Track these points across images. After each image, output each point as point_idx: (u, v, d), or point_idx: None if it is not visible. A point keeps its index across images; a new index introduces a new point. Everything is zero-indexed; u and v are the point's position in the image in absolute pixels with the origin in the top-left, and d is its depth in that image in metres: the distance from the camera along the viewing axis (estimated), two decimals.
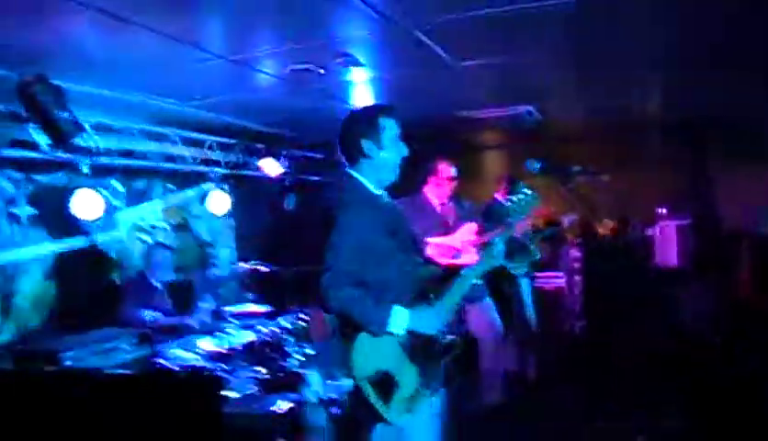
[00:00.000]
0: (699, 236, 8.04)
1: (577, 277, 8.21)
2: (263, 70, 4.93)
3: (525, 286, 6.74)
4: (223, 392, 4.69)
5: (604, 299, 7.77)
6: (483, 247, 3.23)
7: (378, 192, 3.09)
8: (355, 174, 3.07)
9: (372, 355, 2.88)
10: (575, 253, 8.35)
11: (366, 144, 3.01)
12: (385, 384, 2.86)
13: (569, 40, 4.64)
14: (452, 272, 3.17)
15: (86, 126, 5.71)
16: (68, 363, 4.28)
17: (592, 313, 7.88)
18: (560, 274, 8.26)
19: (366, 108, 3.17)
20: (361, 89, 5.65)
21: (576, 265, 8.29)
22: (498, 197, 6.71)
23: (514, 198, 3.24)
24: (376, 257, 2.91)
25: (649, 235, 8.39)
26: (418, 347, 2.94)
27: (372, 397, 2.85)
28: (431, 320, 2.95)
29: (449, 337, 3.01)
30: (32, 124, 4.78)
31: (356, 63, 4.80)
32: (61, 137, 4.71)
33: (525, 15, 3.89)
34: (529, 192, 3.24)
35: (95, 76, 4.81)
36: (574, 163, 9.51)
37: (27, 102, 4.52)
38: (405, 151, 3.09)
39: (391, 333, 2.87)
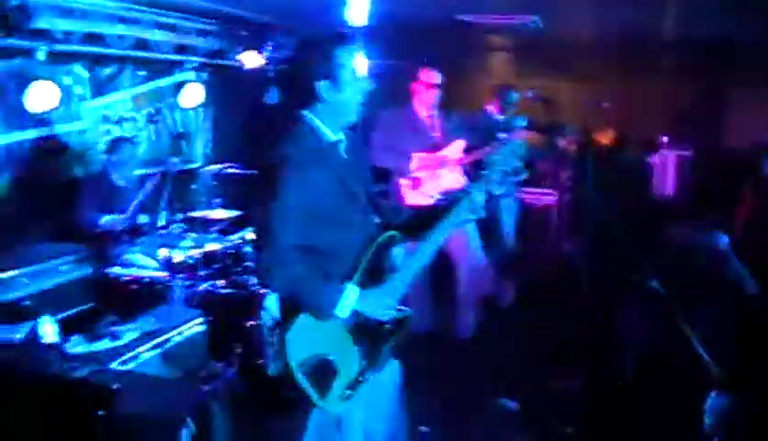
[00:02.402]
0: (699, 171, 7.66)
1: (569, 196, 7.92)
2: None
3: (506, 207, 6.42)
4: None
5: (593, 222, 7.52)
6: (458, 197, 2.78)
7: (336, 137, 2.67)
8: (309, 117, 2.64)
9: (310, 338, 2.56)
10: (569, 169, 8.06)
11: (322, 87, 2.57)
12: (322, 371, 2.56)
13: None
14: (417, 227, 2.80)
15: (44, 9, 5.25)
16: None
17: (580, 236, 7.64)
18: (551, 191, 7.93)
19: (318, 41, 2.64)
20: None
21: (569, 182, 7.99)
22: (489, 108, 6.38)
23: (497, 152, 2.82)
24: (327, 223, 2.56)
25: (648, 161, 8.06)
26: (364, 328, 2.61)
27: (306, 386, 2.55)
28: (383, 301, 2.62)
29: (401, 313, 2.69)
30: None
31: None
32: (7, 26, 4.25)
33: None
34: (515, 142, 2.87)
35: None
36: (578, 76, 9.28)
37: None
38: (368, 85, 2.66)
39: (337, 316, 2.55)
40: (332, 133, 2.65)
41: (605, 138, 8.36)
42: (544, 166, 7.76)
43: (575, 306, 5.04)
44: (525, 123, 2.92)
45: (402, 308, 2.71)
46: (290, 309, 2.57)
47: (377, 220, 2.83)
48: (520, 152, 2.85)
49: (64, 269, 4.58)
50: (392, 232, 2.74)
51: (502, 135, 3.08)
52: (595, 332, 5.06)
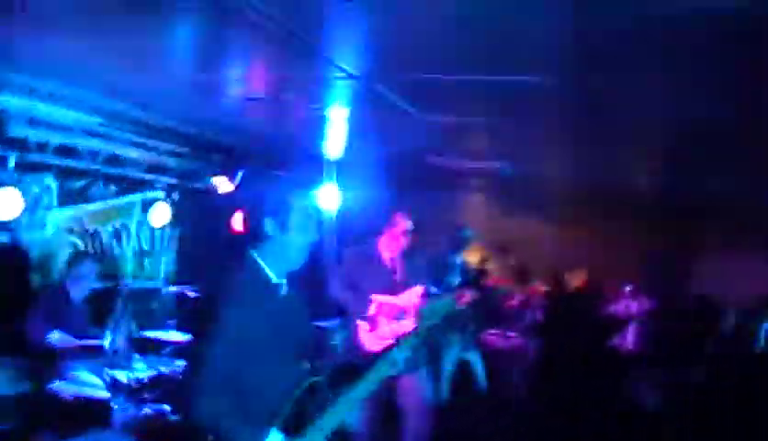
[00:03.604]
0: (661, 323, 7.71)
1: (531, 339, 7.92)
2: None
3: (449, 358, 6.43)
4: None
5: (555, 366, 7.49)
6: (385, 354, 2.84)
7: (278, 281, 2.66)
8: (255, 256, 2.64)
9: None
10: (532, 313, 8.11)
11: (273, 224, 2.59)
12: None
13: (542, 110, 4.29)
14: (349, 373, 2.78)
15: (20, 118, 5.33)
16: None
17: (541, 378, 7.58)
18: (514, 334, 7.93)
19: (277, 185, 2.72)
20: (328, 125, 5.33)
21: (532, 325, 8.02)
22: (445, 249, 6.40)
23: (426, 307, 2.99)
24: (255, 360, 2.52)
25: (612, 309, 8.12)
26: None
27: None
28: None
29: None
30: None
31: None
32: None
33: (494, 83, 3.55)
34: (442, 300, 3.05)
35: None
36: (549, 219, 9.49)
37: None
38: (313, 235, 2.65)
39: None
40: (274, 275, 2.65)
41: (571, 283, 8.46)
42: (508, 311, 7.80)
43: None
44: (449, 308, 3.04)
45: None
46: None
47: (306, 365, 2.77)
48: (449, 308, 2.97)
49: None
50: (317, 379, 2.67)
51: (433, 290, 3.14)
52: None
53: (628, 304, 8.05)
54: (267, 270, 2.63)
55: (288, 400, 2.57)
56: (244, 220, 2.69)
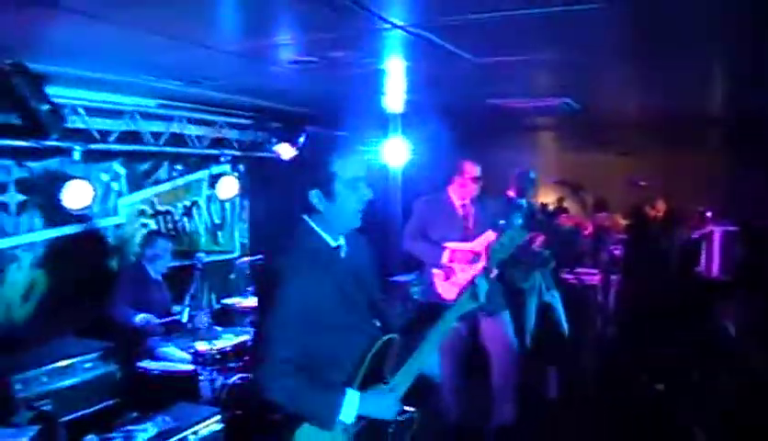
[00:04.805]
0: (745, 246, 7.41)
1: (614, 276, 7.72)
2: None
3: (532, 301, 6.31)
4: None
5: (640, 303, 7.31)
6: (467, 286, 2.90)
7: (336, 243, 2.62)
8: (310, 223, 2.60)
9: None
10: (614, 249, 7.90)
11: (319, 195, 2.54)
12: None
13: (600, 39, 4.07)
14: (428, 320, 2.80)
15: (80, 110, 5.44)
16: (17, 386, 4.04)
17: (626, 320, 7.40)
18: (595, 271, 7.74)
19: (316, 152, 2.65)
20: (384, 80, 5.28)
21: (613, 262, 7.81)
22: (511, 194, 6.30)
23: (497, 242, 3.00)
24: (326, 329, 2.50)
25: (693, 238, 7.85)
26: (370, 430, 2.53)
27: None
28: (386, 404, 2.55)
29: (406, 414, 2.62)
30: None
31: None
32: (41, 129, 4.38)
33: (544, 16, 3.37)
34: (512, 232, 3.03)
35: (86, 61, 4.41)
36: (618, 150, 9.20)
37: (4, 94, 4.19)
38: (367, 195, 2.59)
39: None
40: (331, 239, 2.61)
41: (650, 214, 8.23)
42: (585, 246, 7.61)
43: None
44: (521, 239, 2.97)
45: (408, 408, 2.65)
46: (296, 419, 2.48)
47: (378, 324, 2.76)
48: (518, 240, 2.96)
49: (88, 366, 4.55)
50: (391, 336, 2.66)
51: (501, 223, 3.13)
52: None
53: (712, 229, 7.75)
54: (324, 235, 2.59)
55: (362, 360, 2.55)
56: (298, 187, 2.62)
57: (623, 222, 8.12)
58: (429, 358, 2.70)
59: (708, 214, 7.81)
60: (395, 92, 5.98)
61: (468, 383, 5.57)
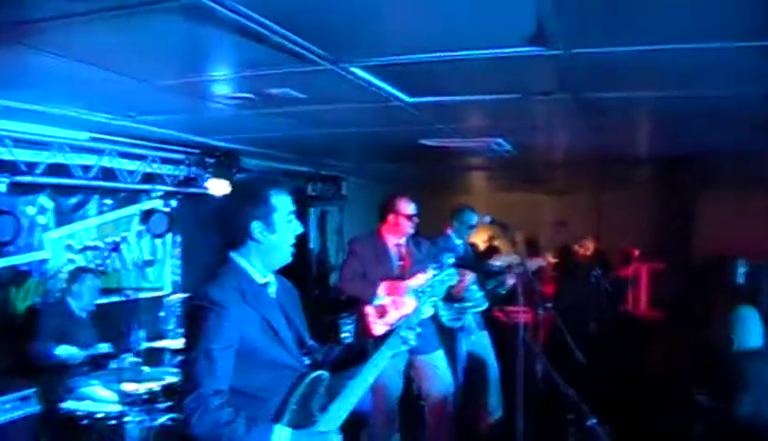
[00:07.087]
0: (672, 283, 7.64)
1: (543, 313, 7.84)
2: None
3: (463, 338, 6.33)
4: None
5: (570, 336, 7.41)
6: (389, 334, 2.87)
7: (264, 279, 2.64)
8: (237, 259, 2.61)
9: None
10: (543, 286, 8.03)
11: (256, 227, 2.56)
12: None
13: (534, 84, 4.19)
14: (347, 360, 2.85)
15: (7, 141, 5.30)
16: None
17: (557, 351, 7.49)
18: (525, 308, 7.84)
19: (254, 186, 2.69)
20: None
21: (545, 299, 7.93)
22: (448, 232, 6.31)
23: (427, 284, 3.08)
24: (253, 365, 2.49)
25: (620, 276, 8.05)
26: None
27: None
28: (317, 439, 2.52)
29: None
30: None
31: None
32: None
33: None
34: (444, 274, 3.12)
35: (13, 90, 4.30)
36: (548, 190, 9.42)
37: None
38: (298, 229, 2.66)
39: None
40: (260, 275, 2.62)
41: (586, 248, 8.42)
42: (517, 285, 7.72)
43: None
44: (451, 282, 3.05)
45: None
46: None
47: (307, 361, 2.76)
48: (450, 281, 3.06)
49: (8, 407, 4.38)
50: (320, 373, 2.67)
51: (433, 265, 3.20)
52: None
53: (638, 268, 7.98)
54: (251, 270, 2.60)
55: (290, 397, 2.54)
56: (225, 224, 2.64)
57: (552, 261, 8.29)
58: (360, 396, 2.67)
59: (636, 253, 8.03)
60: (327, 127, 5.98)
61: (402, 421, 5.56)
